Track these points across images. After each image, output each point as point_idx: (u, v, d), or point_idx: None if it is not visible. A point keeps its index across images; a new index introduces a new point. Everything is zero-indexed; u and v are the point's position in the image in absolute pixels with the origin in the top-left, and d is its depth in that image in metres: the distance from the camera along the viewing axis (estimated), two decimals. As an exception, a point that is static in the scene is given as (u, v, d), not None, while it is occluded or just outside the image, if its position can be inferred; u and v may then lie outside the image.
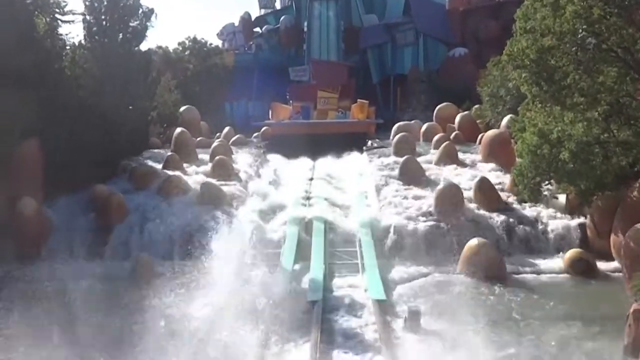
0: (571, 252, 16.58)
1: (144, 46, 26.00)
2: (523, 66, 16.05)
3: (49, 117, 18.72)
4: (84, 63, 23.18)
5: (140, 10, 24.50)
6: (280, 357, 10.99)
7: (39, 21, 21.80)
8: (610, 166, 15.50)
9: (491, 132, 24.72)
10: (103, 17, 23.64)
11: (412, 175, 21.74)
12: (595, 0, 14.64)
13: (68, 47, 23.67)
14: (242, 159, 27.51)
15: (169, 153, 24.79)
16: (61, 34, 23.15)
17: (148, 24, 24.54)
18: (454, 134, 28.95)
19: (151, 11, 24.68)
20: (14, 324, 12.94)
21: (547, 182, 16.91)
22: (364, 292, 14.49)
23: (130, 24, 24.11)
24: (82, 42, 24.09)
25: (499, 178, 21.35)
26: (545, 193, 17.46)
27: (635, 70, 15.01)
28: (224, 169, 23.46)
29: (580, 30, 15.13)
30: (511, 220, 18.37)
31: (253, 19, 57.97)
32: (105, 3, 23.95)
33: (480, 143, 25.52)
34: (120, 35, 24.02)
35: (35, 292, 15.14)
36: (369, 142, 31.52)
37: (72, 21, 23.59)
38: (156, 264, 16.44)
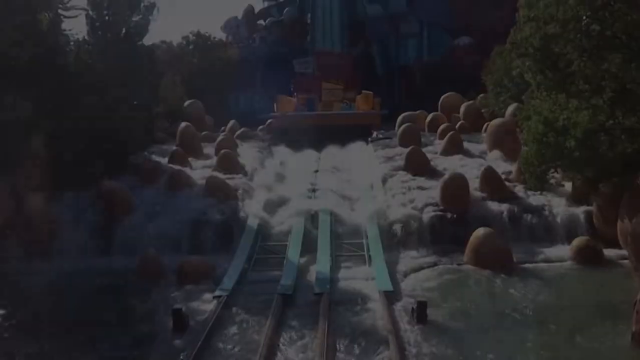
0: (578, 240, 16.51)
1: (147, 41, 26.04)
2: (527, 54, 15.98)
3: (55, 113, 18.74)
4: (88, 58, 23.18)
5: (142, 5, 24.49)
6: (290, 348, 10.99)
7: (42, 17, 21.77)
8: (616, 153, 15.40)
9: (496, 121, 24.55)
10: (105, 12, 23.63)
11: (417, 166, 21.67)
12: (598, -14, 14.57)
13: (72, 43, 23.65)
14: (248, 152, 27.54)
15: (174, 147, 24.81)
16: (64, 30, 23.14)
17: (150, 17, 24.55)
18: (459, 123, 28.92)
19: (152, 5, 24.69)
20: (17, 321, 13.03)
21: (553, 170, 16.84)
22: (371, 283, 14.49)
23: (133, 19, 24.10)
24: (86, 37, 24.09)
25: (505, 167, 21.26)
26: (552, 181, 17.41)
27: (640, 57, 14.92)
28: (229, 163, 23.43)
29: (584, 17, 15.01)
30: (517, 209, 18.26)
31: (256, 11, 57.87)
32: (108, -3, 23.99)
33: (485, 132, 25.45)
34: (124, 30, 24.01)
35: (42, 289, 15.21)
36: (374, 133, 31.49)
37: (76, 16, 23.58)
38: (163, 258, 16.42)
